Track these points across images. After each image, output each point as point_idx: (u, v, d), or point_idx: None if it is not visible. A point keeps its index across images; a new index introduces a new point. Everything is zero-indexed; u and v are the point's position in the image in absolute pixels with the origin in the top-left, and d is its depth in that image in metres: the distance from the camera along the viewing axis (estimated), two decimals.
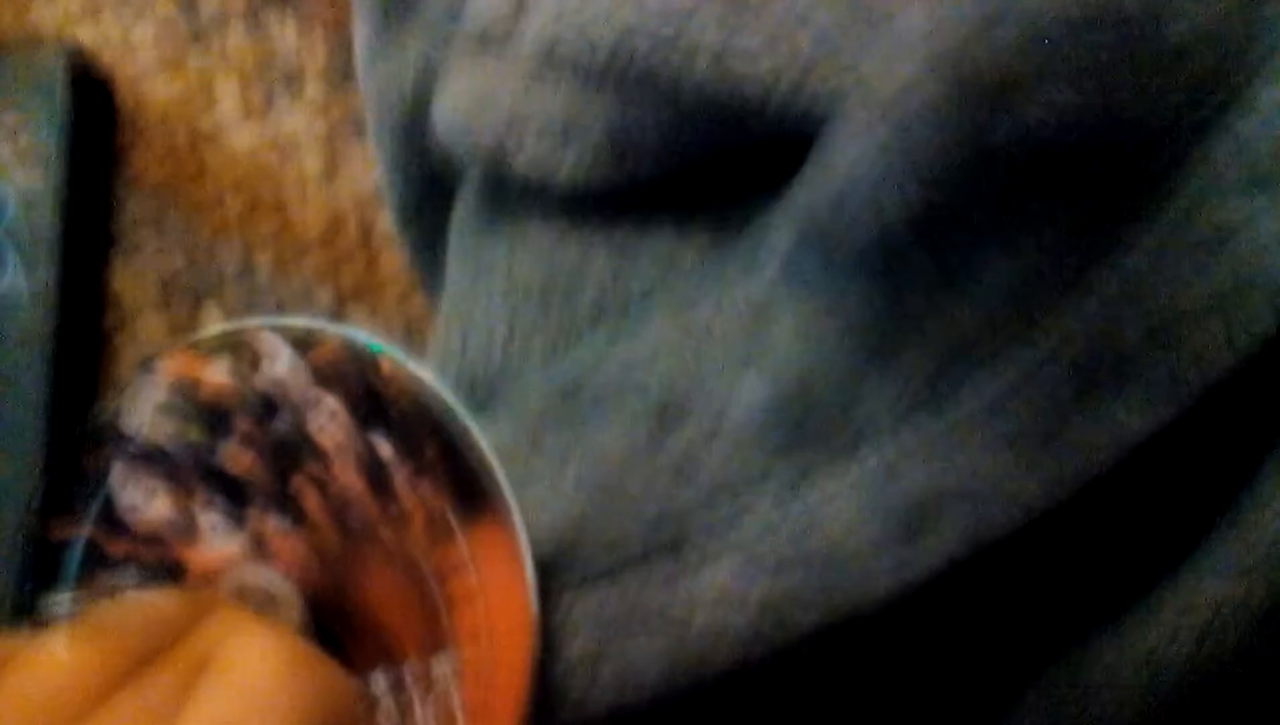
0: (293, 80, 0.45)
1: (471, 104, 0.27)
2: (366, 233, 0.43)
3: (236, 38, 0.46)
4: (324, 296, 0.42)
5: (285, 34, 0.45)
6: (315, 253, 0.43)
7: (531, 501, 0.24)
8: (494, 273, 0.29)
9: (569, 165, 0.26)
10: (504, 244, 0.28)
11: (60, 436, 0.40)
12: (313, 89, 0.45)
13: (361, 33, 0.33)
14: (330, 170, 0.44)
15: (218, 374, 0.23)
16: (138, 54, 0.46)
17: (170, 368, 0.22)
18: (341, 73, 0.45)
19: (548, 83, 0.26)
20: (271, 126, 0.45)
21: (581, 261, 0.27)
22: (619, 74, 0.25)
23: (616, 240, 0.27)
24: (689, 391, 0.24)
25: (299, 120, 0.44)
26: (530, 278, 0.28)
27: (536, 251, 0.28)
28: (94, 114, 0.45)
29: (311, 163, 0.44)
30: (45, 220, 0.42)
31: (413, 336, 0.41)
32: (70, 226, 0.43)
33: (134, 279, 0.43)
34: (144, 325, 0.43)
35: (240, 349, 0.23)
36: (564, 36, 0.26)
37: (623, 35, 0.25)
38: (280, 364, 0.23)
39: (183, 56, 0.46)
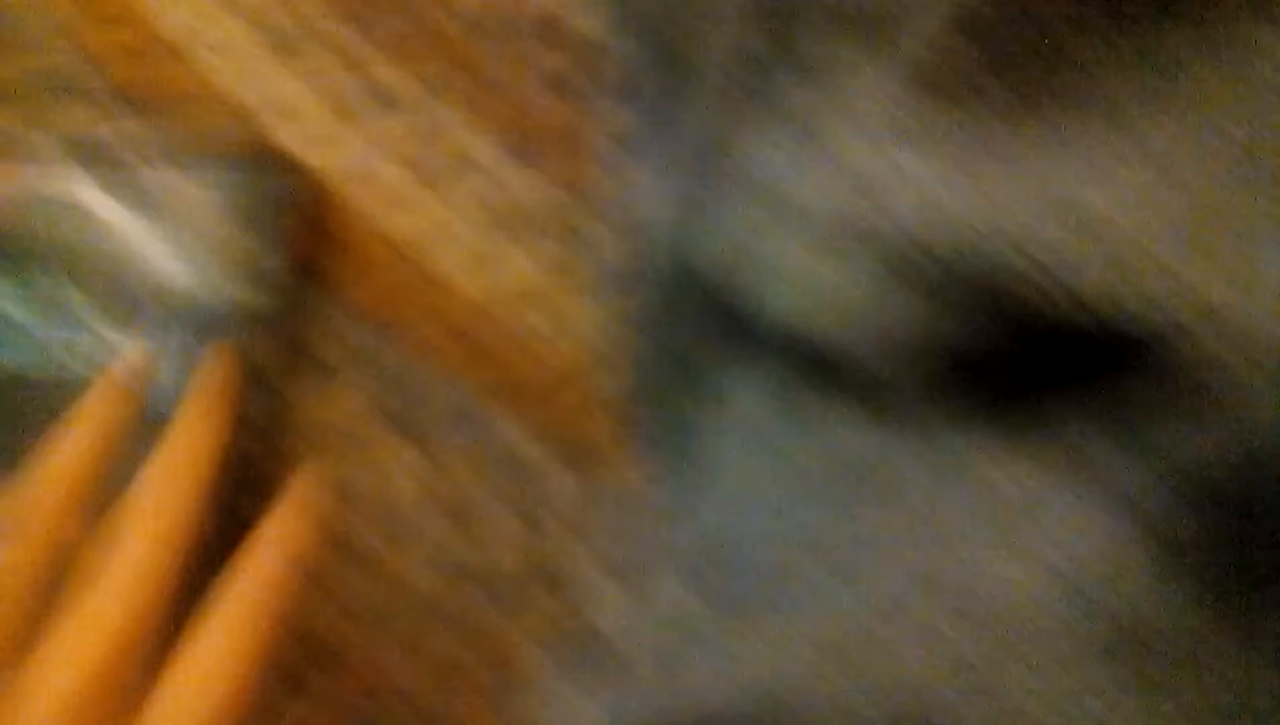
0: (527, 234, 0.45)
1: (782, 288, 0.27)
2: (588, 394, 0.42)
3: (474, 186, 0.46)
4: (536, 454, 0.41)
5: (523, 187, 0.46)
6: (533, 409, 0.42)
7: (758, 658, 0.23)
8: (780, 460, 0.27)
9: (890, 359, 0.25)
10: (799, 434, 0.27)
11: None
12: (547, 245, 0.45)
13: (660, 196, 0.33)
14: (557, 327, 0.43)
15: None
16: (374, 188, 0.47)
17: None
18: (576, 231, 0.45)
19: (871, 278, 0.26)
20: (501, 278, 0.44)
21: (879, 458, 0.26)
22: (953, 285, 0.25)
23: (917, 440, 0.26)
24: (968, 579, 0.23)
25: (529, 276, 0.44)
26: (812, 463, 0.26)
27: (825, 440, 0.27)
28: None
29: (538, 318, 0.43)
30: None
31: (627, 503, 0.40)
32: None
33: (344, 414, 0.42)
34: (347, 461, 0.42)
35: None
36: (895, 240, 0.25)
37: (969, 253, 0.24)
38: None
39: (419, 197, 0.46)
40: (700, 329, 0.32)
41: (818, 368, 0.27)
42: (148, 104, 0.50)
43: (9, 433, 0.41)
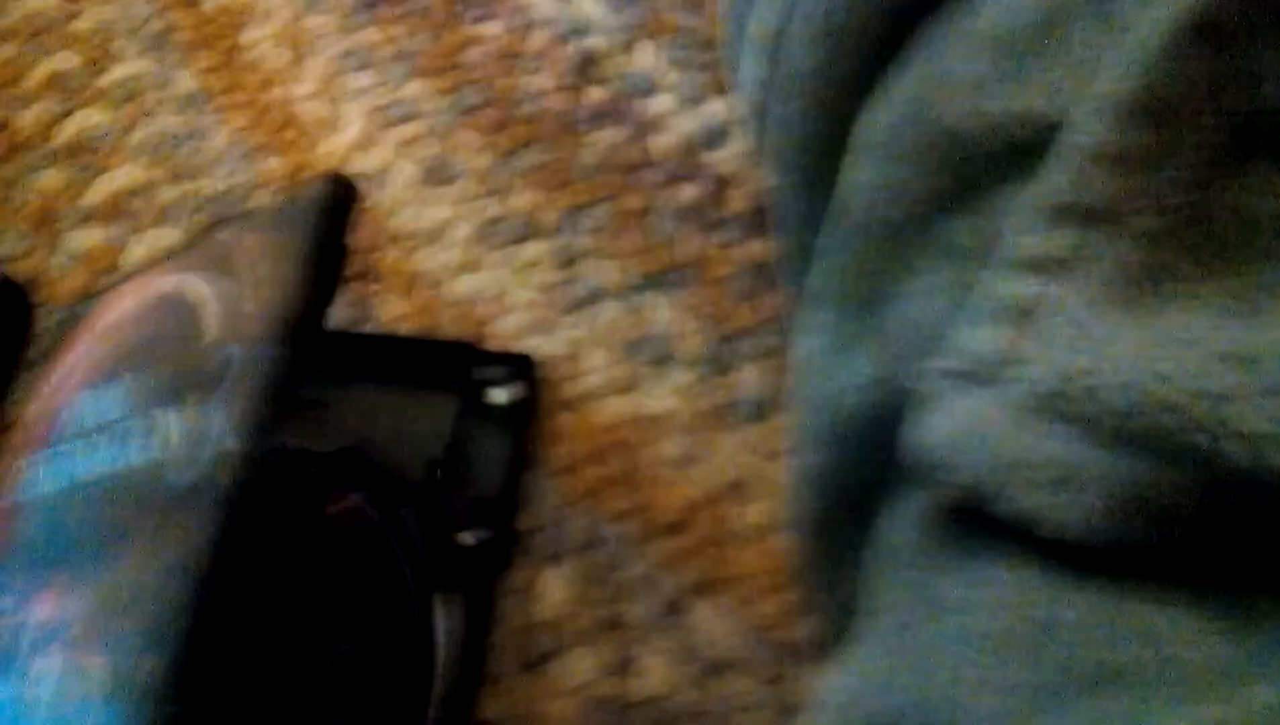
0: (661, 363, 0.46)
1: (953, 440, 0.27)
2: (718, 527, 0.42)
3: (610, 312, 0.47)
4: (667, 584, 0.41)
5: (659, 316, 0.47)
6: (663, 539, 0.42)
7: None
8: (945, 613, 0.27)
9: (1059, 519, 0.25)
10: (960, 584, 0.27)
11: None
12: (680, 375, 0.45)
13: (808, 338, 0.33)
14: (688, 458, 0.44)
15: None
16: (514, 314, 0.48)
17: None
18: (711, 363, 0.45)
19: (1045, 433, 0.25)
20: (635, 405, 0.45)
21: (1052, 619, 0.25)
22: (1131, 439, 0.24)
23: (1093, 602, 0.25)
24: None
25: (663, 403, 0.45)
26: (991, 626, 0.26)
27: (1000, 599, 0.26)
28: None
29: (670, 448, 0.44)
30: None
31: (760, 640, 0.40)
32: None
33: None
34: None
35: None
36: (1071, 392, 0.25)
37: (1143, 404, 0.24)
38: None
39: (556, 323, 0.47)
40: (854, 461, 0.32)
41: (969, 520, 0.27)
42: None
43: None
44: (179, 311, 0.42)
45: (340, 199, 0.39)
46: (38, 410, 0.46)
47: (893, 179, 0.32)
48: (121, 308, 0.46)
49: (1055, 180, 0.27)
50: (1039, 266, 0.27)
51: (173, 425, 0.39)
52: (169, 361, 0.41)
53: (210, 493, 0.35)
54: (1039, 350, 0.26)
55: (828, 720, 0.29)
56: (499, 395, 0.44)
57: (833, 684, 0.29)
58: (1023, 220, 0.28)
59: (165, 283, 0.44)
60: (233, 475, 0.35)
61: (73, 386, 0.45)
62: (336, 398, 0.44)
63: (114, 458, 0.40)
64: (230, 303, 0.40)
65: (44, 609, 0.39)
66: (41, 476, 0.43)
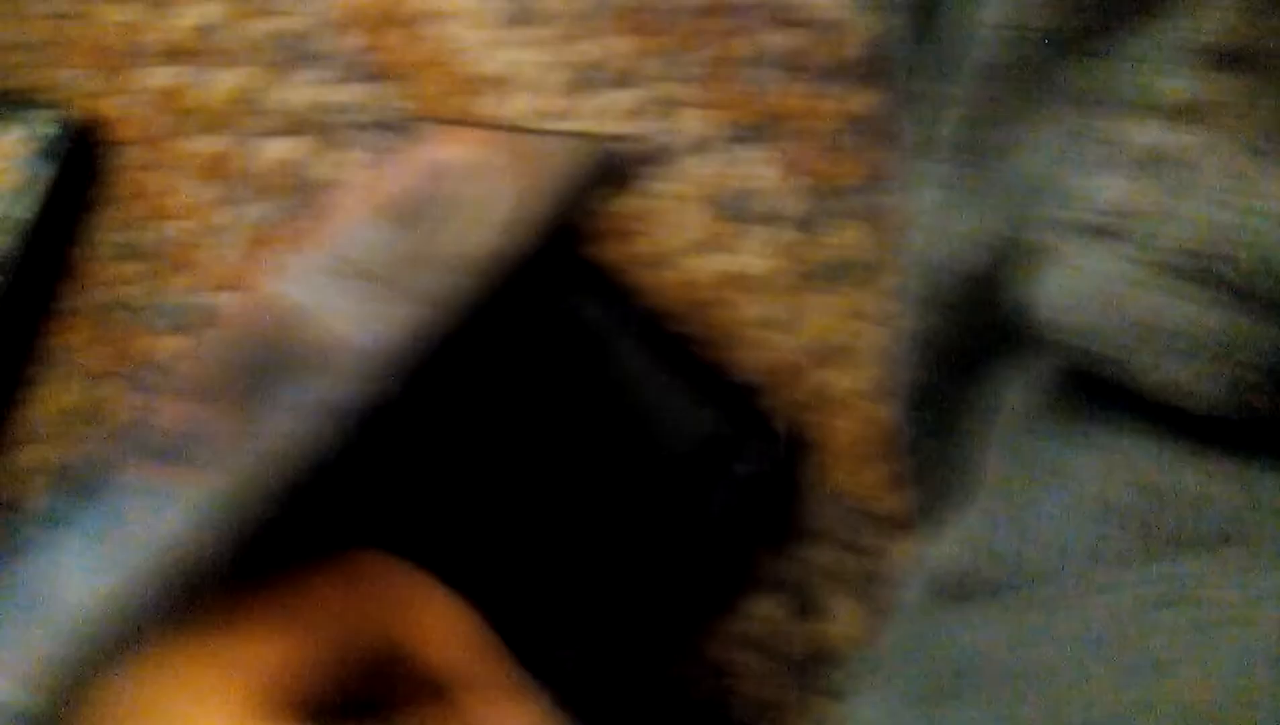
0: (758, 221, 0.44)
1: (1075, 300, 0.25)
2: (814, 393, 0.41)
3: (705, 167, 0.45)
4: None
5: (756, 172, 0.44)
6: (764, 394, 0.41)
7: None
8: (1057, 480, 0.25)
9: (1193, 389, 0.23)
10: (1075, 451, 0.25)
11: None
12: (778, 233, 0.43)
13: (920, 193, 0.31)
14: (784, 320, 0.42)
15: None
16: None
17: None
18: (811, 222, 0.43)
19: (1182, 295, 0.23)
20: (729, 264, 0.43)
21: (1169, 487, 0.24)
22: None
23: (1212, 471, 0.23)
24: None
25: (759, 263, 0.43)
26: (1106, 494, 0.24)
27: (1117, 466, 0.24)
28: None
29: (765, 309, 0.42)
30: None
31: (852, 510, 0.38)
32: None
33: None
34: None
35: None
36: (1214, 251, 0.23)
37: None
38: None
39: (649, 175, 0.46)
40: (968, 324, 0.30)
41: (1100, 387, 0.25)
42: (382, 72, 0.51)
43: None
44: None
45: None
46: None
47: (1016, 19, 0.29)
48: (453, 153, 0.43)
49: (1202, 17, 0.25)
50: (1183, 112, 0.25)
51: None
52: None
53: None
54: (1180, 204, 0.24)
55: (922, 582, 0.28)
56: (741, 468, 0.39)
57: (934, 553, 0.28)
58: (1164, 61, 0.26)
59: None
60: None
61: (363, 213, 0.42)
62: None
63: None
64: None
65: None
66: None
